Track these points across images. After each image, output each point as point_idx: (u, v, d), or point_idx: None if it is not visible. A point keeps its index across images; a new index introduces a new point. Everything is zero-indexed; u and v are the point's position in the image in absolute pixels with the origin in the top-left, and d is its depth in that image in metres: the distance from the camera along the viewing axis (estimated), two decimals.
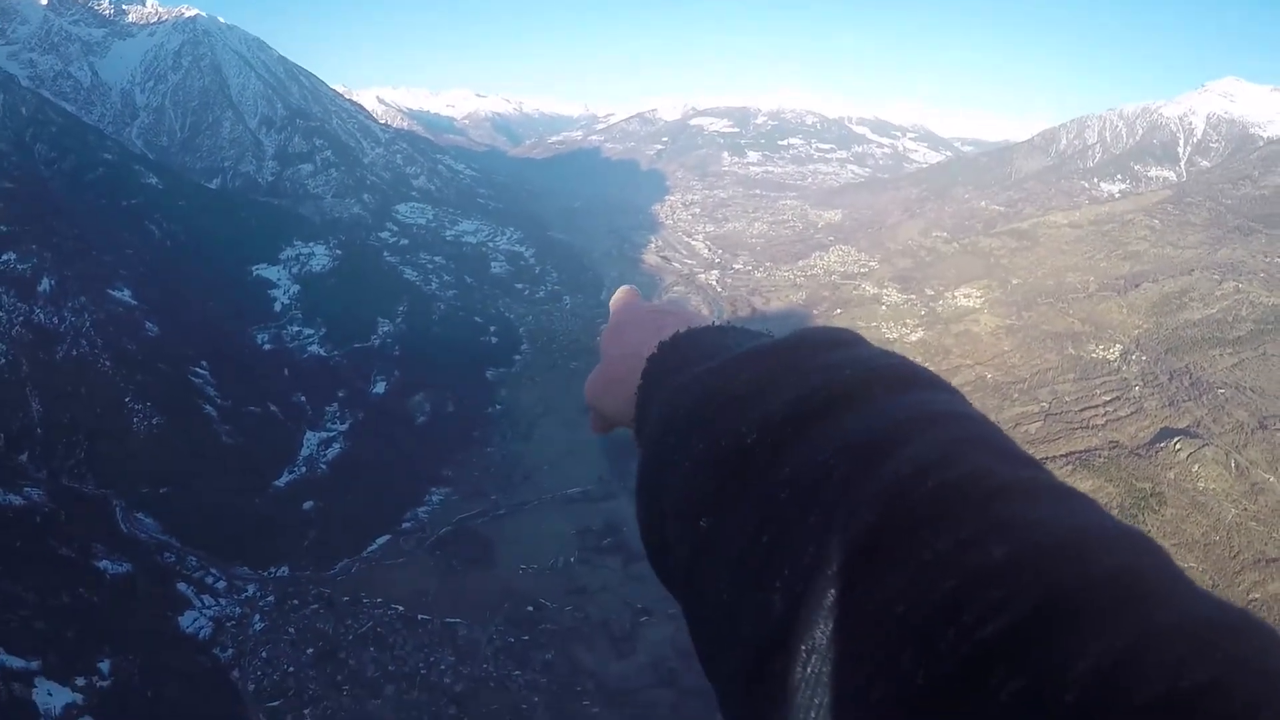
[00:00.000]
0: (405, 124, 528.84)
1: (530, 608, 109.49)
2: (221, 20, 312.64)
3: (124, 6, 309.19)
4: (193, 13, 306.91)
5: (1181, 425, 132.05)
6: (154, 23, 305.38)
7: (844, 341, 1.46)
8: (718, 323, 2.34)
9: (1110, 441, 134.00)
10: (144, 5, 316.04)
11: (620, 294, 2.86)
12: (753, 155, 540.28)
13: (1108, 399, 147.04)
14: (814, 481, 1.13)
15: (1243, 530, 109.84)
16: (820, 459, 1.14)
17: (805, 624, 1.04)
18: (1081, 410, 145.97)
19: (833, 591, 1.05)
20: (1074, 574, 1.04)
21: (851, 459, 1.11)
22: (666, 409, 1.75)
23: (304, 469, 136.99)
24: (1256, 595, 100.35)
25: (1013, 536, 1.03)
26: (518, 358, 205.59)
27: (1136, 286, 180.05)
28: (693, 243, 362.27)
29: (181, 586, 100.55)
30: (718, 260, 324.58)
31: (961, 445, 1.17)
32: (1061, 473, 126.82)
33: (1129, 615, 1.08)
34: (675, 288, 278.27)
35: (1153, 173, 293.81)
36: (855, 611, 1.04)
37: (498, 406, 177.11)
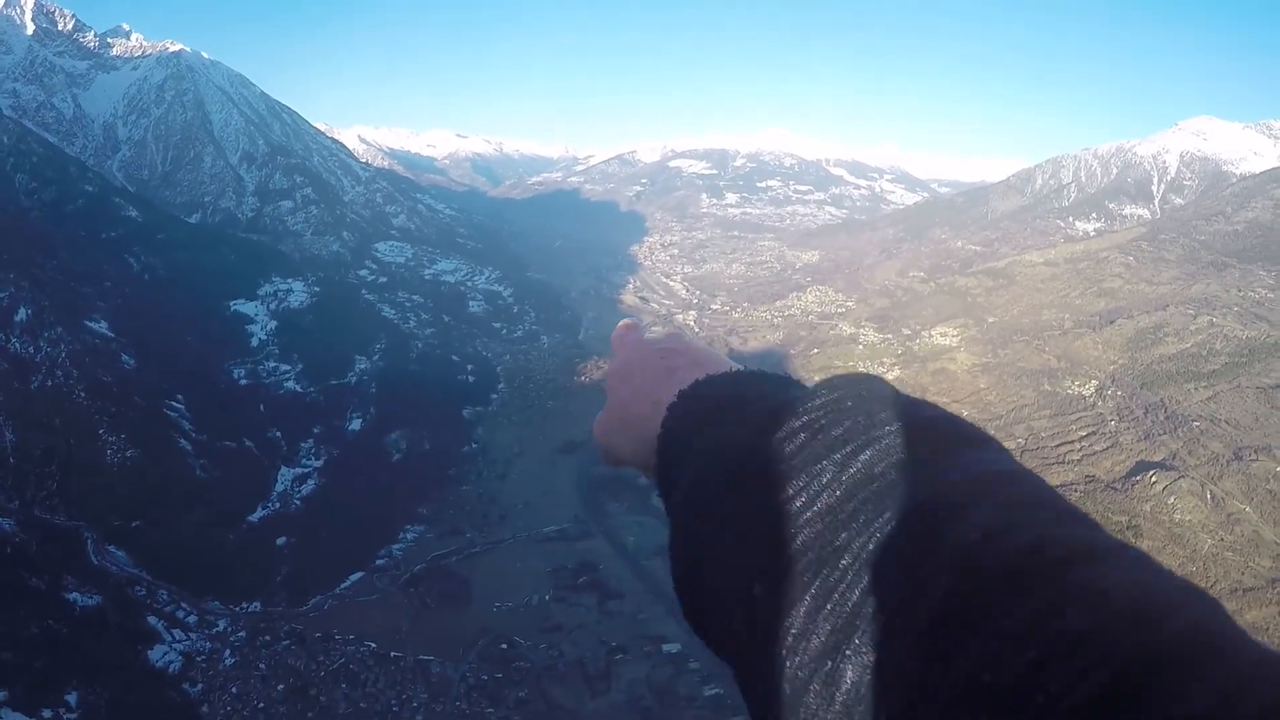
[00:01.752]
0: (386, 163, 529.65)
1: (504, 645, 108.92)
2: (206, 56, 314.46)
3: (109, 40, 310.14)
4: (177, 47, 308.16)
5: (1157, 458, 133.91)
6: (138, 56, 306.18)
7: (879, 395, 1.47)
8: (729, 364, 2.29)
9: (1086, 476, 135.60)
10: (128, 39, 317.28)
11: (622, 330, 2.79)
12: (731, 197, 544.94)
13: (1084, 434, 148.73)
14: (879, 551, 1.17)
15: (1219, 561, 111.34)
16: (882, 529, 1.17)
17: (879, 693, 1.05)
18: (1058, 445, 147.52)
19: (910, 661, 1.08)
20: (1151, 637, 1.05)
21: (917, 526, 1.16)
22: (704, 471, 1.68)
23: (278, 505, 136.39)
24: None
25: (1088, 603, 1.07)
26: (495, 396, 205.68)
27: (1112, 323, 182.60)
28: (671, 283, 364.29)
29: (152, 620, 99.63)
30: (695, 300, 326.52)
31: (1023, 508, 1.29)
32: None
33: (1210, 668, 1.06)
34: (653, 328, 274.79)
35: (1127, 210, 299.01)
36: (936, 681, 1.06)
37: (474, 445, 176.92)
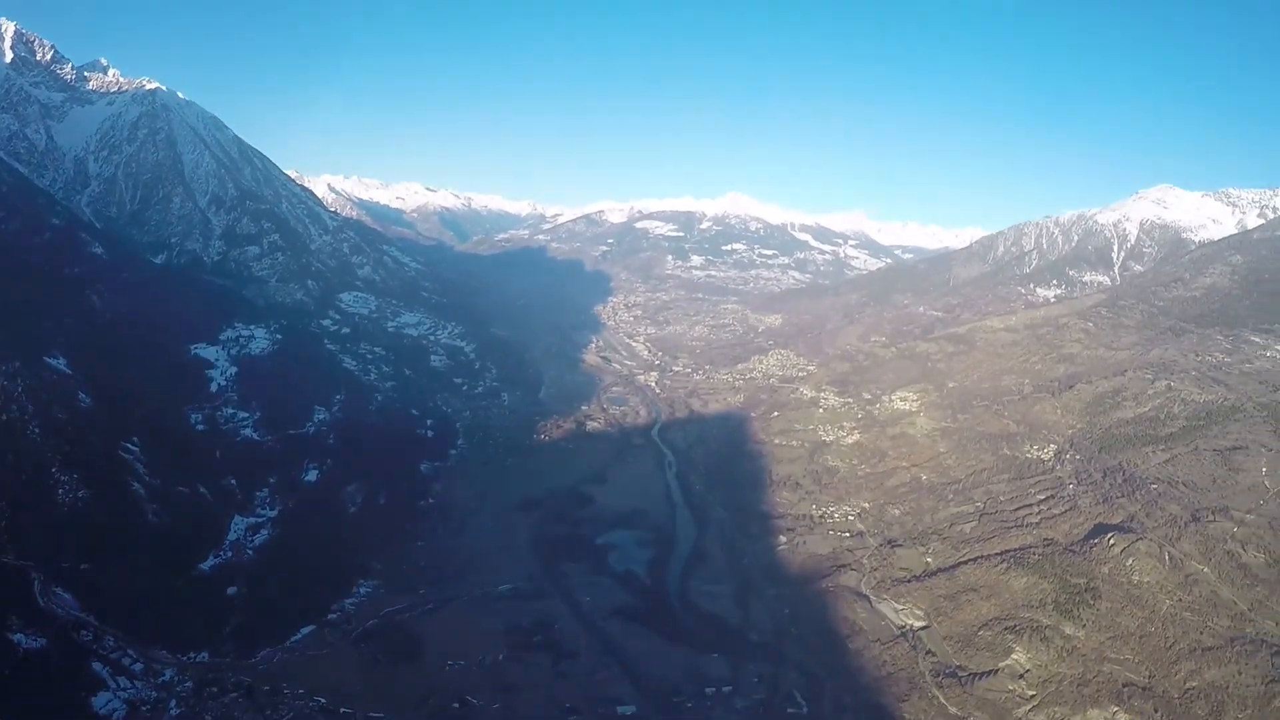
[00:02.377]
0: (355, 213, 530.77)
1: (456, 704, 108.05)
2: (181, 95, 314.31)
3: (86, 73, 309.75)
4: (153, 85, 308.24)
5: (1115, 521, 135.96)
6: (114, 92, 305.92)
7: None
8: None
9: (1045, 539, 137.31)
10: (105, 74, 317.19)
11: None
12: (696, 259, 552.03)
13: (1042, 498, 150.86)
14: None
15: (1178, 621, 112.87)
16: None
17: None
18: (1016, 509, 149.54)
19: None
20: None
21: None
22: None
23: (230, 553, 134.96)
24: (1194, 684, 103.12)
25: None
26: (453, 452, 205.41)
27: (1071, 387, 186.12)
28: (633, 344, 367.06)
29: (97, 666, 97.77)
30: (658, 362, 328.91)
31: None
32: (995, 570, 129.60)
33: None
34: (614, 388, 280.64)
35: (1087, 277, 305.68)
36: None
37: (431, 500, 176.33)
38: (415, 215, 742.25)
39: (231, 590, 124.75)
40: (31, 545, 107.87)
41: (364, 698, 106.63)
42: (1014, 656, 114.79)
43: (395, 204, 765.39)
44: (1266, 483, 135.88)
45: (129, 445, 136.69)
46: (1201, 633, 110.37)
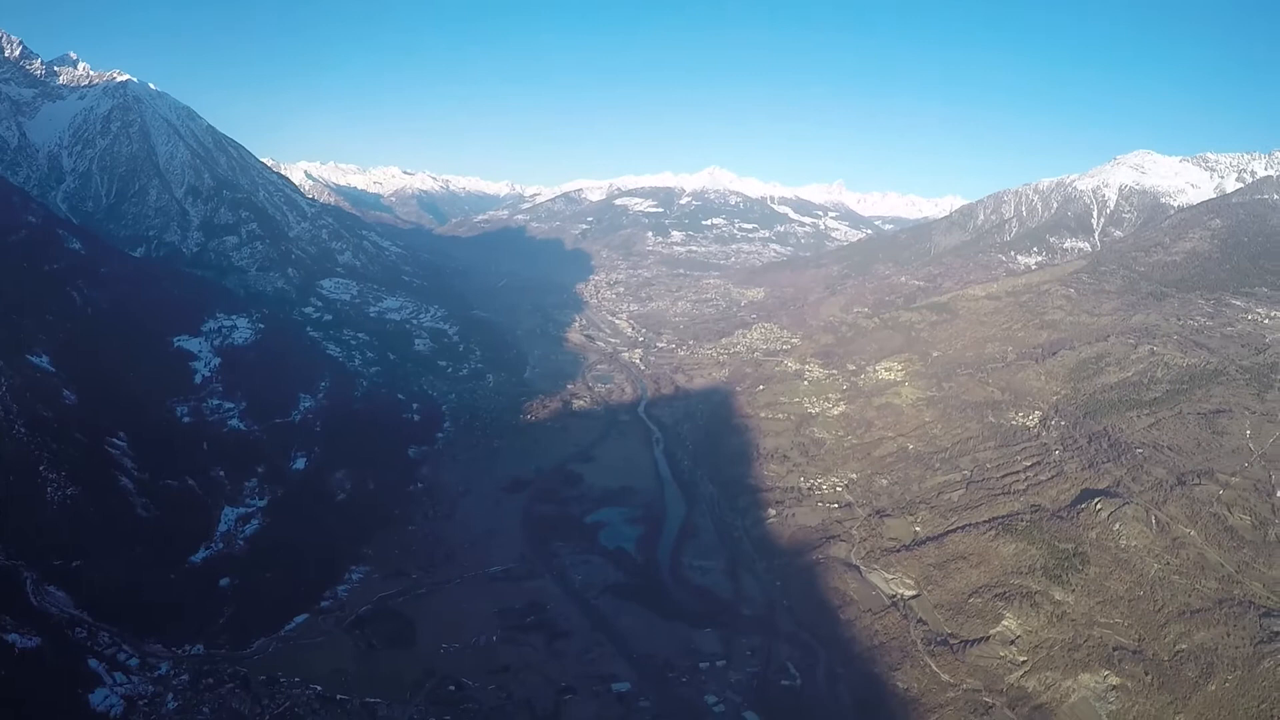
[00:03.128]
0: (332, 199, 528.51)
1: (452, 686, 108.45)
2: (152, 86, 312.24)
3: (56, 68, 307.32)
4: (124, 77, 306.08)
5: (1102, 486, 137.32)
6: (85, 85, 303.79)
7: None
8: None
9: (1032, 505, 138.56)
10: (75, 68, 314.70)
11: None
12: (677, 235, 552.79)
13: (1028, 464, 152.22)
14: None
15: (1166, 584, 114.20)
16: None
17: None
18: (1003, 476, 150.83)
19: None
20: None
21: None
22: None
23: (221, 545, 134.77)
24: (1183, 646, 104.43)
25: None
26: (440, 435, 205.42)
27: (1054, 354, 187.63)
28: (617, 321, 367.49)
29: (93, 663, 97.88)
30: (641, 339, 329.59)
31: None
32: (984, 537, 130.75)
33: None
34: (599, 366, 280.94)
35: (1068, 244, 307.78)
36: None
37: (419, 485, 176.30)
38: (393, 199, 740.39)
39: (224, 581, 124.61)
40: (22, 544, 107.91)
41: (360, 683, 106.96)
42: (1004, 623, 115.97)
43: (373, 188, 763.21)
44: (1251, 445, 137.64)
45: (115, 440, 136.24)
46: (1190, 595, 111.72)
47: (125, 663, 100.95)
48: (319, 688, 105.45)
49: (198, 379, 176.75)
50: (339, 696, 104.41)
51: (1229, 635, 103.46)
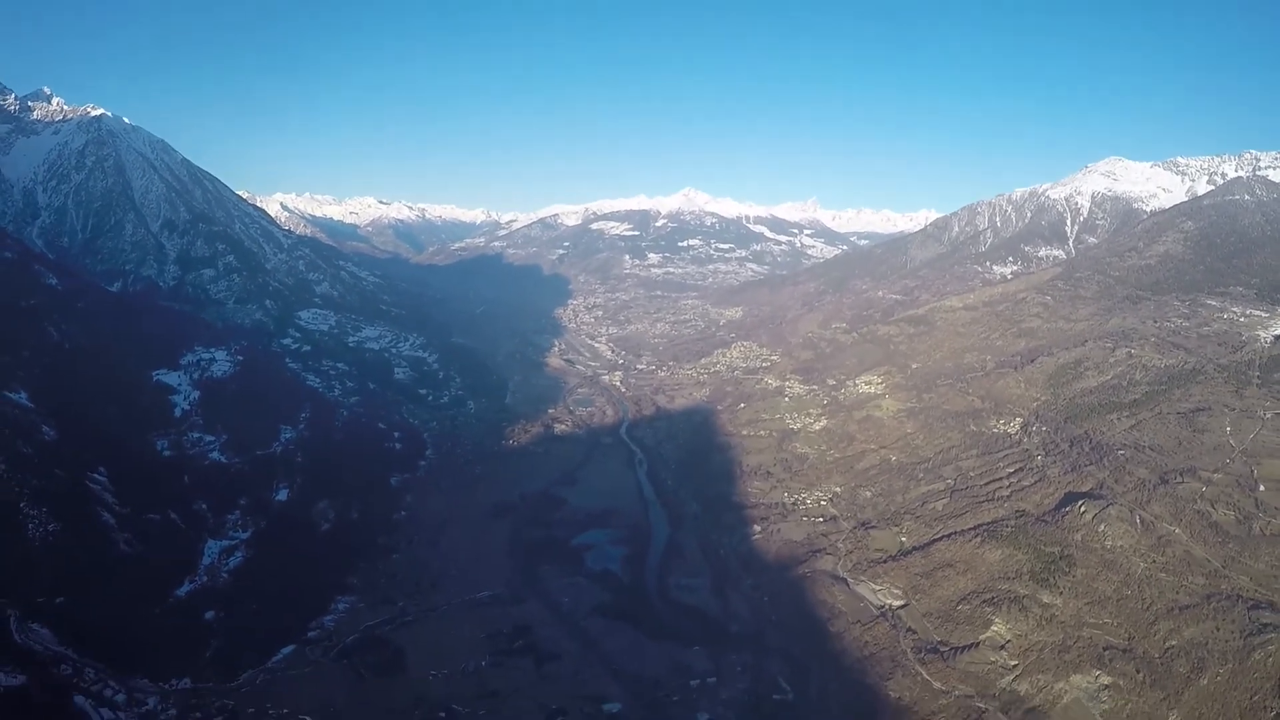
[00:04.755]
0: (309, 230, 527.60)
1: (442, 714, 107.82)
2: (127, 121, 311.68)
3: (29, 103, 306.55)
4: (98, 112, 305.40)
5: (1085, 489, 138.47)
6: (59, 120, 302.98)
7: None
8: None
9: (1016, 511, 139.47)
10: (49, 103, 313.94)
11: None
12: (653, 257, 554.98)
13: (1011, 470, 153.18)
14: None
15: (1153, 582, 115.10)
16: None
17: None
18: (987, 484, 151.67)
19: None
20: None
21: None
22: None
23: (205, 578, 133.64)
24: (1173, 643, 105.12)
25: None
26: (422, 463, 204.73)
27: (1033, 361, 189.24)
28: (596, 344, 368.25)
29: (79, 699, 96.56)
30: (621, 361, 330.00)
31: None
32: (970, 545, 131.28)
33: None
34: (579, 389, 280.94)
35: (1043, 252, 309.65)
36: None
37: (403, 513, 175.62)
38: (370, 229, 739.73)
39: (209, 615, 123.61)
40: (4, 581, 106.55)
41: (349, 713, 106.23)
42: (994, 628, 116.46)
43: (349, 219, 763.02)
44: (1231, 441, 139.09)
45: (96, 475, 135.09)
46: (1177, 592, 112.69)
47: (112, 699, 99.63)
48: (308, 718, 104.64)
49: (178, 412, 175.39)
50: None
51: (1218, 629, 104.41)
